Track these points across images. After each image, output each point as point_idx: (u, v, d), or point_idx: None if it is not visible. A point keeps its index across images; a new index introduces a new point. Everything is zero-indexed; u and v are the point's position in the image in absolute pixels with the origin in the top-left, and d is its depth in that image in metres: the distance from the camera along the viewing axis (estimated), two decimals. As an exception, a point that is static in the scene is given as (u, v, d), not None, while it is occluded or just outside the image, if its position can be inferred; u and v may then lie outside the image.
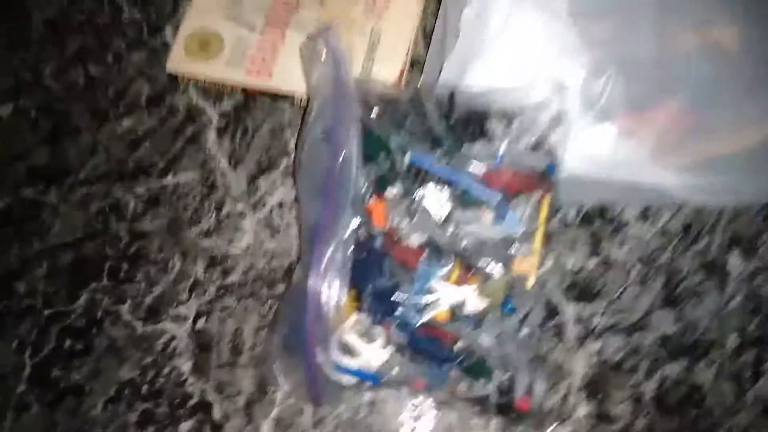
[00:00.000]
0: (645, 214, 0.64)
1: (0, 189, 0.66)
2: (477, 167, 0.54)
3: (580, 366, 0.59)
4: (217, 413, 0.58)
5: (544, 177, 0.54)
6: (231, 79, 0.67)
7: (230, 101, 0.69)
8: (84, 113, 0.69)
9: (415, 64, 0.69)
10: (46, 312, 0.61)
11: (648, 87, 0.54)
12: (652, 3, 0.54)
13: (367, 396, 0.58)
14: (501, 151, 0.54)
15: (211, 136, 0.68)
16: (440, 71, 0.57)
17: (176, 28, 0.69)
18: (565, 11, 0.54)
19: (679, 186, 0.56)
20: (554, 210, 0.62)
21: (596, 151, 0.54)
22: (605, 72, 0.53)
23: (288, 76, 0.66)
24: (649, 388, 0.58)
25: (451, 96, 0.56)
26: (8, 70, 0.71)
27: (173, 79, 0.69)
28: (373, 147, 0.55)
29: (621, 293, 0.61)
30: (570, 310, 0.60)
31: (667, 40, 0.54)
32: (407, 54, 0.68)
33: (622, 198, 0.62)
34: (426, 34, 0.70)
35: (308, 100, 0.60)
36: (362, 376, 0.53)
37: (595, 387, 0.58)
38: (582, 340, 0.59)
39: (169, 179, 0.66)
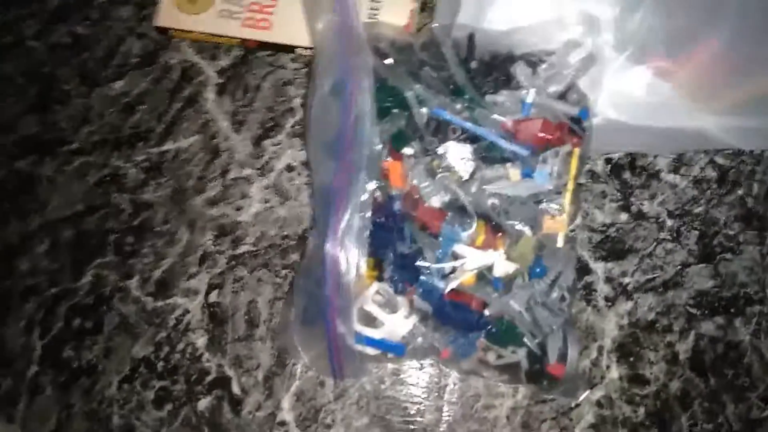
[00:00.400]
0: (677, 164, 0.59)
1: (-9, 162, 0.62)
2: (502, 119, 0.50)
3: (611, 327, 0.56)
4: (235, 388, 0.55)
5: (575, 127, 0.49)
6: (226, 32, 0.61)
7: (227, 57, 0.64)
8: (72, 76, 0.63)
9: (426, 6, 0.64)
10: (52, 290, 0.58)
11: (687, 23, 0.48)
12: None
13: (391, 367, 0.55)
14: (528, 100, 0.49)
15: (210, 96, 0.63)
16: (457, 11, 0.52)
17: (165, -22, 0.63)
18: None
19: (720, 129, 0.52)
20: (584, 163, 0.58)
21: (631, 94, 0.49)
22: (640, 6, 0.47)
23: (289, 27, 0.61)
24: (684, 348, 0.55)
25: (471, 38, 0.51)
26: (-13, 32, 0.65)
27: (164, 34, 0.63)
28: (387, 100, 0.50)
29: (653, 249, 0.57)
30: (600, 269, 0.57)
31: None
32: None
33: (656, 145, 0.57)
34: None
35: (314, 51, 0.55)
36: (386, 346, 0.50)
37: (627, 348, 0.55)
38: (613, 300, 0.56)
39: (169, 145, 0.61)
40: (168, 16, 0.61)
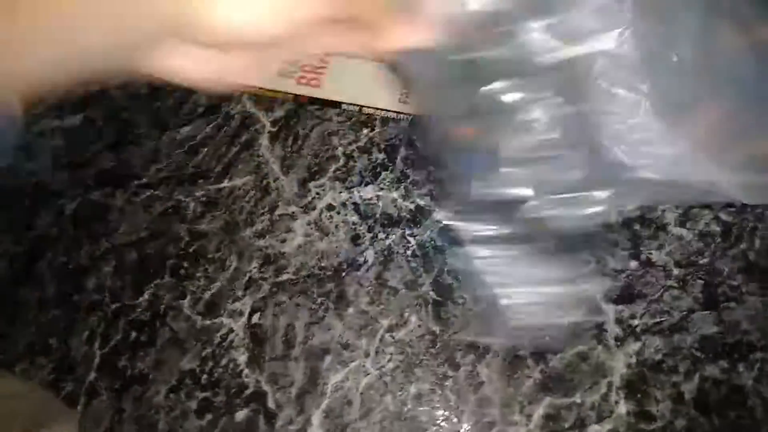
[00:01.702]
0: (684, 218, 0.64)
1: (71, 192, 0.69)
2: None
3: (620, 365, 0.59)
4: (270, 403, 0.60)
5: None
6: (282, 88, 0.69)
7: (281, 109, 0.71)
8: (146, 121, 0.72)
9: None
10: (113, 306, 0.64)
11: (692, 87, 0.53)
12: (697, 1, 0.54)
13: (413, 391, 0.59)
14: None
15: (264, 142, 0.70)
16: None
17: (232, 41, 0.72)
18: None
19: (728, 184, 0.56)
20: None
21: (649, 146, 0.54)
22: (648, 72, 0.53)
23: (337, 85, 0.68)
24: (689, 388, 0.58)
25: None
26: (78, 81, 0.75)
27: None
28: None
29: (660, 295, 0.61)
30: (610, 311, 0.61)
31: (712, 39, 0.54)
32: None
33: (666, 198, 0.61)
34: None
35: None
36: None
37: (635, 386, 0.58)
38: (622, 340, 0.60)
39: (226, 183, 0.68)
40: (233, 72, 0.69)
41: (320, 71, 0.69)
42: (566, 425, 0.57)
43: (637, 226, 0.64)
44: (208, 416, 0.59)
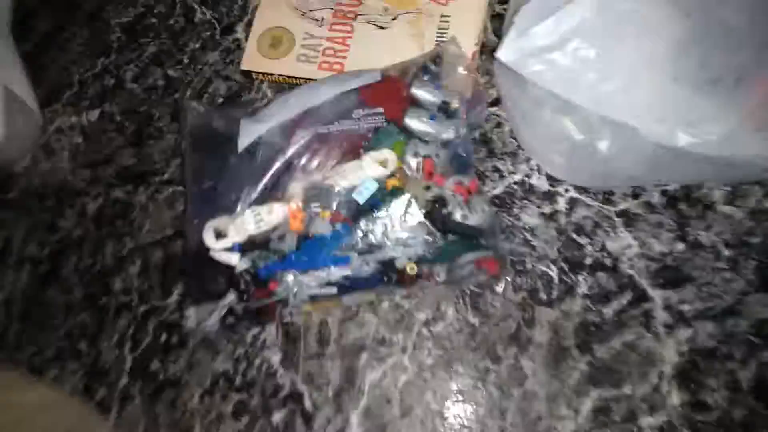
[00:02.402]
0: (732, 196, 0.59)
1: (93, 191, 0.67)
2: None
3: (671, 354, 0.55)
4: (307, 403, 0.57)
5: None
6: (304, 74, 0.66)
7: (303, 97, 0.68)
8: (165, 114, 0.69)
9: (485, 52, 0.66)
10: (142, 308, 0.62)
11: (746, 55, 0.49)
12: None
13: (454, 387, 0.56)
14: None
15: (287, 131, 0.67)
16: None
17: (247, 27, 0.68)
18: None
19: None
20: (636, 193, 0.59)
21: (698, 123, 0.49)
22: (701, 41, 0.48)
23: (359, 68, 0.64)
24: (746, 376, 0.54)
25: None
26: (93, 76, 0.72)
27: (248, 77, 0.68)
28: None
29: (711, 278, 0.57)
30: (658, 296, 0.57)
31: (762, 4, 0.49)
32: (478, 37, 0.65)
33: (716, 175, 0.57)
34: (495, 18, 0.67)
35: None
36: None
37: (687, 375, 0.55)
38: (672, 327, 0.56)
39: (249, 176, 0.65)
40: (252, 60, 0.66)
41: (342, 54, 0.65)
42: (617, 418, 0.54)
43: (682, 206, 0.59)
44: (245, 418, 0.57)
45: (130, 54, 0.72)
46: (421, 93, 0.57)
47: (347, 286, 0.54)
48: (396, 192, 0.54)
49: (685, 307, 0.56)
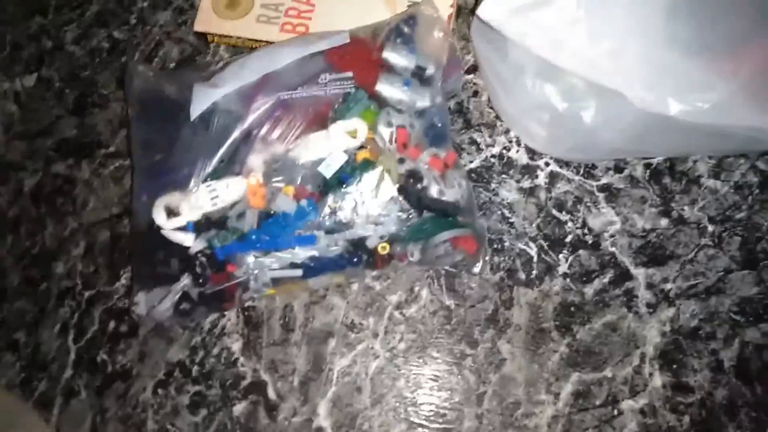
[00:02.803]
0: (718, 169, 0.57)
1: (30, 165, 0.60)
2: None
3: (653, 334, 0.53)
4: (271, 393, 0.53)
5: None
6: (264, 37, 0.60)
7: (264, 62, 0.62)
8: (110, 81, 0.62)
9: (461, 14, 0.62)
10: (87, 293, 0.56)
11: (741, 23, 0.46)
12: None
13: (429, 372, 0.53)
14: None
15: (246, 100, 0.61)
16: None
17: (201, -16, 0.61)
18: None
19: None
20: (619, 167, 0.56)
21: (687, 91, 0.46)
22: (696, 6, 0.45)
23: (325, 30, 0.59)
24: (729, 355, 0.52)
25: None
26: (29, 37, 0.64)
27: (203, 39, 0.62)
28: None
29: (694, 255, 0.55)
30: (641, 275, 0.54)
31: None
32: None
33: (704, 146, 0.54)
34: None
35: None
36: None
37: (670, 356, 0.52)
38: (654, 306, 0.53)
39: (205, 149, 0.59)
40: (207, 21, 0.60)
41: (306, 16, 0.59)
42: (597, 402, 0.51)
43: (666, 180, 0.56)
44: (203, 412, 0.53)
45: (70, 13, 0.65)
46: (393, 57, 0.52)
47: (313, 267, 0.49)
48: (366, 165, 0.49)
49: (668, 286, 0.54)
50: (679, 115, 0.45)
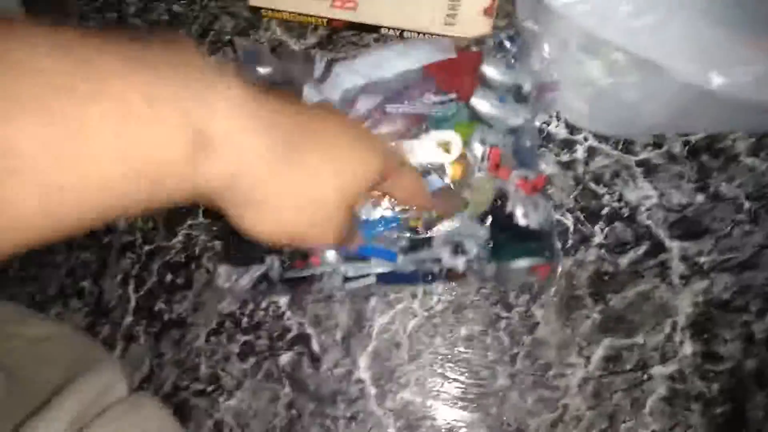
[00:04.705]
0: (757, 147, 0.57)
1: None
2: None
3: (685, 304, 0.54)
4: (315, 345, 0.56)
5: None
6: (315, 12, 0.62)
7: (314, 36, 0.64)
8: (170, 51, 0.65)
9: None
10: (146, 248, 0.60)
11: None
12: None
13: (464, 332, 0.55)
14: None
15: (297, 72, 0.63)
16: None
17: (257, -39, 0.64)
18: None
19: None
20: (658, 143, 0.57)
21: (728, 65, 0.47)
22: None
23: (374, 7, 0.61)
24: (761, 328, 0.53)
25: None
26: (95, 9, 0.68)
27: (256, 14, 0.64)
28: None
29: (730, 230, 0.55)
30: (675, 247, 0.55)
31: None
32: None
33: (744, 123, 0.54)
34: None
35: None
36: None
37: (701, 326, 0.53)
38: (688, 278, 0.54)
39: (258, 116, 0.62)
40: (262, -6, 0.62)
41: (357, -9, 0.61)
42: (628, 367, 0.53)
43: (704, 157, 0.57)
44: (252, 359, 0.56)
45: (133, -13, 0.68)
46: (491, 71, 0.52)
47: (386, 277, 0.51)
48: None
49: (702, 259, 0.55)
50: (720, 88, 0.46)
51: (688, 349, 0.53)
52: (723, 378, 0.52)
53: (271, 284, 0.51)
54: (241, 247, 0.51)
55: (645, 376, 0.52)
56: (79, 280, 0.59)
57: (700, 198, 0.56)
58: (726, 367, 0.52)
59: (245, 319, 0.57)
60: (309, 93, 0.52)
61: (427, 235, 0.50)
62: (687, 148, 0.57)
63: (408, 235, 0.49)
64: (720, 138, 0.57)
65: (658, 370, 0.52)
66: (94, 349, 0.50)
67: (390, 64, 0.52)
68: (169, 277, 0.59)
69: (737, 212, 0.56)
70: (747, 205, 0.56)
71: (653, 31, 0.46)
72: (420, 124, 0.51)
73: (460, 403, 0.54)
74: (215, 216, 0.59)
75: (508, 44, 0.53)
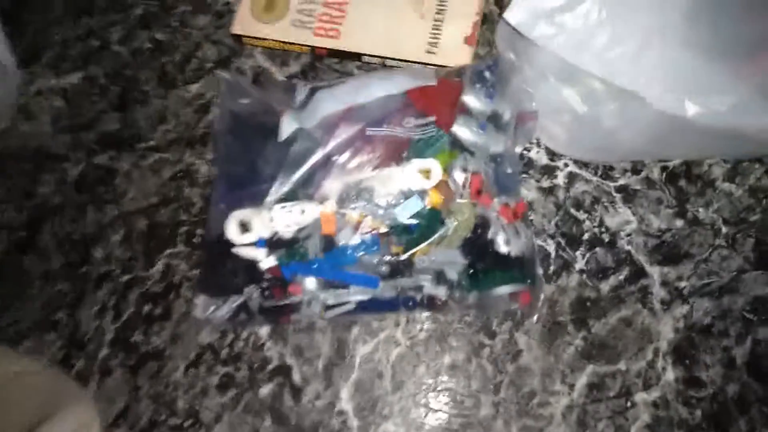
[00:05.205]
0: (733, 173, 0.58)
1: (73, 156, 0.63)
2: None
3: (667, 330, 0.54)
4: (296, 376, 0.55)
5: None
6: (298, 40, 0.62)
7: (297, 63, 0.64)
8: (152, 78, 0.65)
9: (487, 19, 0.64)
10: (124, 278, 0.58)
11: (760, 27, 0.47)
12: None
13: (448, 361, 0.54)
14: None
15: (279, 99, 0.63)
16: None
17: (240, -10, 0.64)
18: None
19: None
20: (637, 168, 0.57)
21: (707, 93, 0.47)
22: (715, 9, 0.46)
23: (357, 36, 0.61)
24: (741, 352, 0.53)
25: None
26: (76, 37, 0.67)
27: (239, 42, 0.65)
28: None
29: (708, 255, 0.56)
30: (655, 273, 0.55)
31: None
32: (479, 6, 0.62)
33: (720, 149, 0.55)
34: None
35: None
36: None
37: (683, 351, 0.53)
38: (669, 303, 0.55)
39: (239, 144, 0.62)
40: (244, 24, 0.62)
41: (338, 21, 0.62)
42: (611, 394, 0.52)
43: (682, 182, 0.58)
44: (231, 392, 0.54)
45: (115, 15, 0.68)
46: (472, 100, 0.52)
47: (367, 305, 0.50)
48: (436, 214, 0.49)
49: (683, 284, 0.55)
50: (696, 117, 0.46)
51: (670, 375, 0.53)
52: (705, 404, 0.52)
53: (250, 314, 0.50)
54: (216, 277, 0.51)
55: (629, 404, 0.52)
56: (54, 312, 0.58)
57: (678, 223, 0.57)
58: (708, 392, 0.52)
59: (225, 350, 0.56)
60: (288, 120, 0.52)
61: (408, 258, 0.49)
62: (665, 174, 0.58)
63: (388, 258, 0.49)
64: (697, 164, 0.58)
65: (641, 396, 0.52)
66: (67, 387, 0.48)
67: (371, 90, 0.53)
68: (147, 307, 0.57)
69: (715, 237, 0.56)
70: (725, 229, 0.56)
71: (629, 61, 0.47)
72: (402, 150, 0.51)
73: (445, 434, 0.53)
74: (195, 245, 0.58)
75: (487, 74, 0.53)
